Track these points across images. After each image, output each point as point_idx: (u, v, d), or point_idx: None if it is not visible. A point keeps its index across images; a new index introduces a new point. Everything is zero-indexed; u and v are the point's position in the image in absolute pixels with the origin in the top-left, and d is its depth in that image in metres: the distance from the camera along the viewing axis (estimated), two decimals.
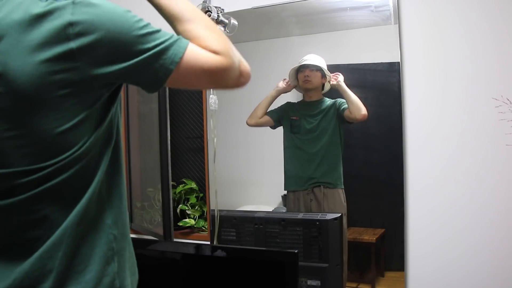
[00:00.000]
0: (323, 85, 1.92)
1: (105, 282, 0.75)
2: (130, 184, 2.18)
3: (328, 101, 1.92)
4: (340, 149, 1.88)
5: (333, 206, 1.86)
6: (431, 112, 1.68)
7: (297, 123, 1.97)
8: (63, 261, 0.71)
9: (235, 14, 1.76)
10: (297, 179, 1.96)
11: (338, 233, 1.46)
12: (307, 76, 1.92)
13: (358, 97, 1.82)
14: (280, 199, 2.00)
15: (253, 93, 2.05)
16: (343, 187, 1.86)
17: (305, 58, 1.91)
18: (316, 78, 1.91)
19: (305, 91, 1.95)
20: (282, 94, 1.99)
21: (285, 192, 1.98)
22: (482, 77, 1.60)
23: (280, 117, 2.00)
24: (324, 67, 1.89)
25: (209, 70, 0.75)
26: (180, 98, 2.40)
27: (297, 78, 1.94)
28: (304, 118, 1.96)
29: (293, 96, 1.98)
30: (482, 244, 1.60)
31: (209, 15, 1.57)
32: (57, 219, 0.72)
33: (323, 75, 1.91)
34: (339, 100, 1.89)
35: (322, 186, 1.89)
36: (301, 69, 1.92)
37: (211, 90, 1.65)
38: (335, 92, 1.88)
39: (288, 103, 1.99)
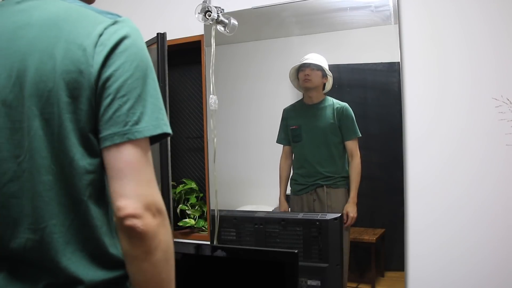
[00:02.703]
0: (324, 84, 1.92)
1: None
2: None
3: (330, 102, 1.91)
4: (342, 149, 1.88)
5: (337, 206, 1.85)
6: (431, 112, 1.68)
7: (297, 132, 1.96)
8: None
9: (235, 14, 1.76)
10: (302, 185, 1.95)
11: (338, 233, 1.46)
12: (308, 75, 1.91)
13: (358, 97, 1.82)
14: None
15: (253, 93, 2.05)
16: (347, 187, 1.86)
17: (306, 57, 1.91)
18: (316, 78, 1.91)
19: (305, 90, 1.94)
20: (278, 100, 1.99)
21: (287, 192, 1.99)
22: (482, 77, 1.60)
23: (286, 133, 1.99)
24: (326, 67, 1.88)
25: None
26: (180, 98, 2.40)
27: (297, 78, 1.94)
28: (304, 125, 1.95)
29: (293, 96, 1.98)
30: (482, 244, 1.60)
31: (209, 15, 1.58)
32: None
33: (324, 75, 1.90)
34: (346, 110, 1.86)
35: (325, 186, 1.89)
36: (301, 68, 1.92)
37: (212, 90, 1.65)
38: (335, 92, 1.88)
39: (286, 111, 1.98)
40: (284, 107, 1.98)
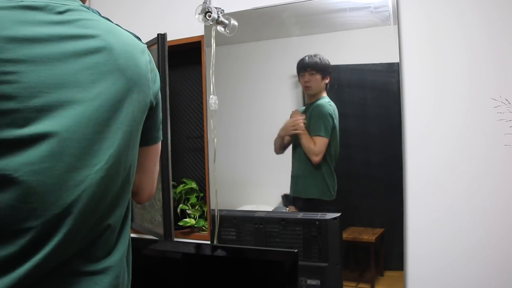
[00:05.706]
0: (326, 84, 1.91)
1: None
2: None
3: (321, 101, 1.90)
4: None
5: None
6: (430, 112, 1.69)
7: None
8: None
9: (236, 15, 1.77)
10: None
11: (337, 233, 1.47)
12: (307, 81, 1.91)
13: (357, 97, 1.83)
14: (280, 199, 2.01)
15: (253, 93, 2.05)
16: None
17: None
18: (316, 82, 1.90)
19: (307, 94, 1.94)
20: (278, 101, 1.99)
21: (285, 192, 1.99)
22: (480, 78, 1.61)
23: None
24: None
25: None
26: (180, 98, 2.41)
27: (298, 79, 1.94)
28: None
29: (293, 96, 1.98)
30: (481, 243, 1.61)
31: (209, 16, 1.58)
32: None
33: (325, 75, 1.89)
34: (317, 106, 1.87)
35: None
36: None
37: (212, 90, 1.66)
38: (335, 92, 1.89)
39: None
40: (284, 107, 1.99)
